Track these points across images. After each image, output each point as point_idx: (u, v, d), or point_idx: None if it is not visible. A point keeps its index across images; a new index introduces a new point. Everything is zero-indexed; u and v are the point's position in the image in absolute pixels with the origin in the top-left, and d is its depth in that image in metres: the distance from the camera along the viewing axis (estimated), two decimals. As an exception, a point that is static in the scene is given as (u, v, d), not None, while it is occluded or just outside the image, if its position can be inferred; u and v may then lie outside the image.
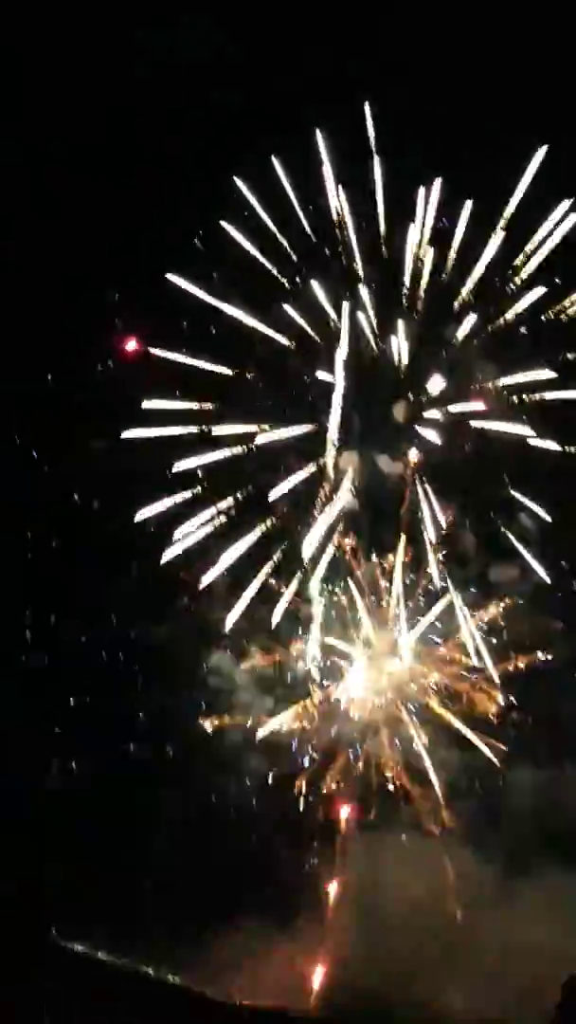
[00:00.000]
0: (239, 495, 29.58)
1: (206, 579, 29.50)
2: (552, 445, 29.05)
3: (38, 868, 29.30)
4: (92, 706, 30.56)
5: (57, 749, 30.45)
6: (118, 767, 30.43)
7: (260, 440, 29.38)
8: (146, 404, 29.41)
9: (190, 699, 30.97)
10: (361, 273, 30.50)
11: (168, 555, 29.18)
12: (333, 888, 30.15)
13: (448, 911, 29.45)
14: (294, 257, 30.15)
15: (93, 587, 30.62)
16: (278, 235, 30.09)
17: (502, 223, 30.10)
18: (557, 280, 29.87)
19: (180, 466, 29.08)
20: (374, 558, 30.70)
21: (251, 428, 29.48)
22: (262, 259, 30.01)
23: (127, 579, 30.46)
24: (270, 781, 30.56)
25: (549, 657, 30.34)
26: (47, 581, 30.64)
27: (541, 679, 30.67)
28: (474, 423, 29.69)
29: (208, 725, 30.72)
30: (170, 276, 29.55)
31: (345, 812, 30.50)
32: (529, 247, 30.23)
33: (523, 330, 30.24)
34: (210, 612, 30.53)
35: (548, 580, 29.73)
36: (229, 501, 29.50)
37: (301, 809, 30.29)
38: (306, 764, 30.57)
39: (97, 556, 30.52)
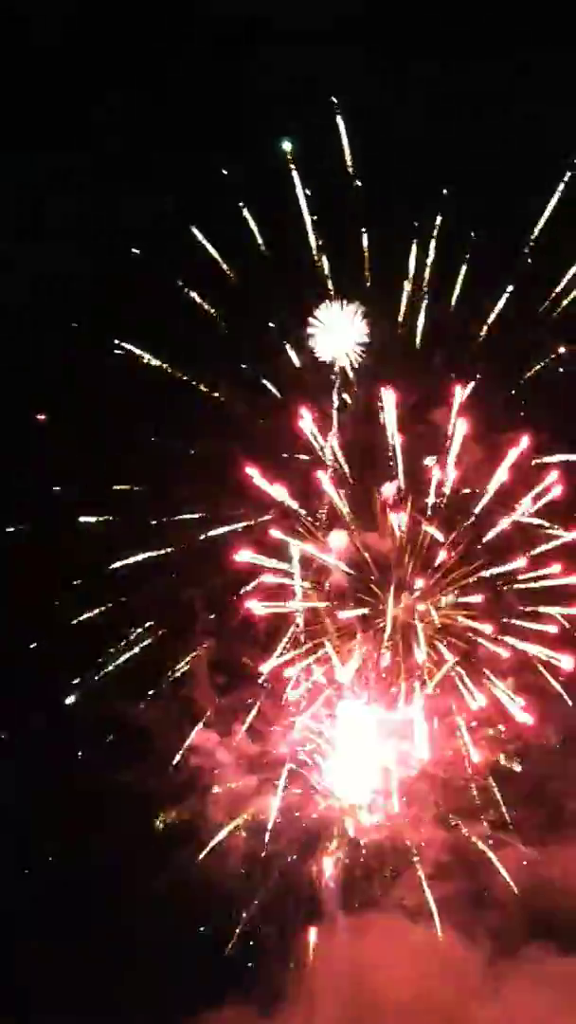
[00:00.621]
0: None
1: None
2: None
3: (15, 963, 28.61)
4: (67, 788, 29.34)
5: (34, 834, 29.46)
6: (95, 851, 29.27)
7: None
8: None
9: (170, 780, 29.87)
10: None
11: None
12: (316, 973, 29.83)
13: (433, 995, 29.15)
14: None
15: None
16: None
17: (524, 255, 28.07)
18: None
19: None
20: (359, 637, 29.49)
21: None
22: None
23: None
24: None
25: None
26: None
27: (526, 757, 29.87)
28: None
29: (184, 811, 29.84)
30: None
31: (329, 896, 29.93)
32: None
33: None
34: (194, 690, 29.53)
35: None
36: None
37: (283, 893, 29.78)
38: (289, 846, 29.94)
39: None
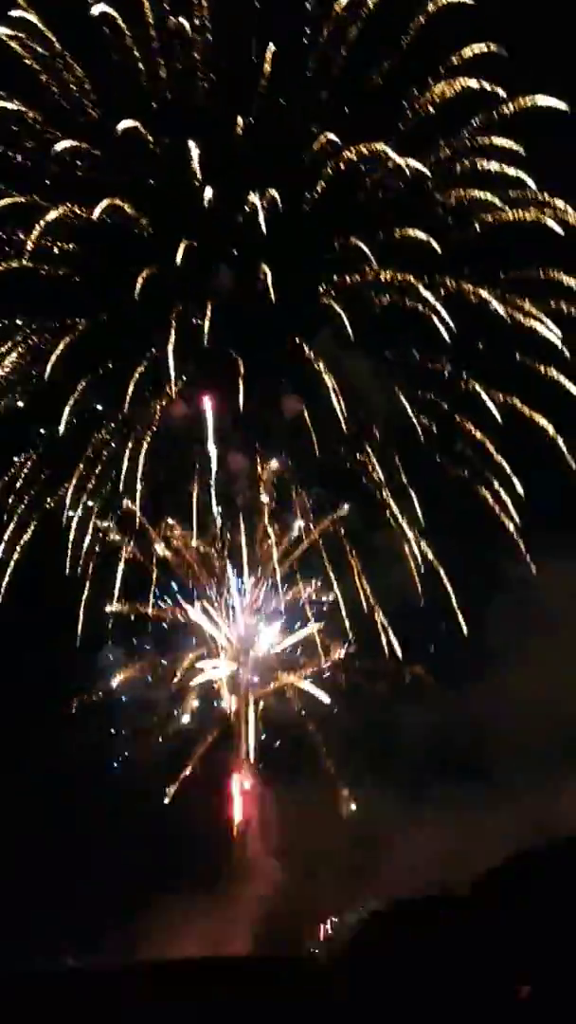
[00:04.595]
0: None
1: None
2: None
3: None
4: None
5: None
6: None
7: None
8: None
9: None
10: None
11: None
12: (249, 843, 32.20)
13: (358, 839, 31.64)
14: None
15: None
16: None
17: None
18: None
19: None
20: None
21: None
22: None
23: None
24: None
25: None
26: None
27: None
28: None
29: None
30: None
31: (247, 773, 32.30)
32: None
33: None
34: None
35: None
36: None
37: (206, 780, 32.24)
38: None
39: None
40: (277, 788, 32.53)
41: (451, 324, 29.31)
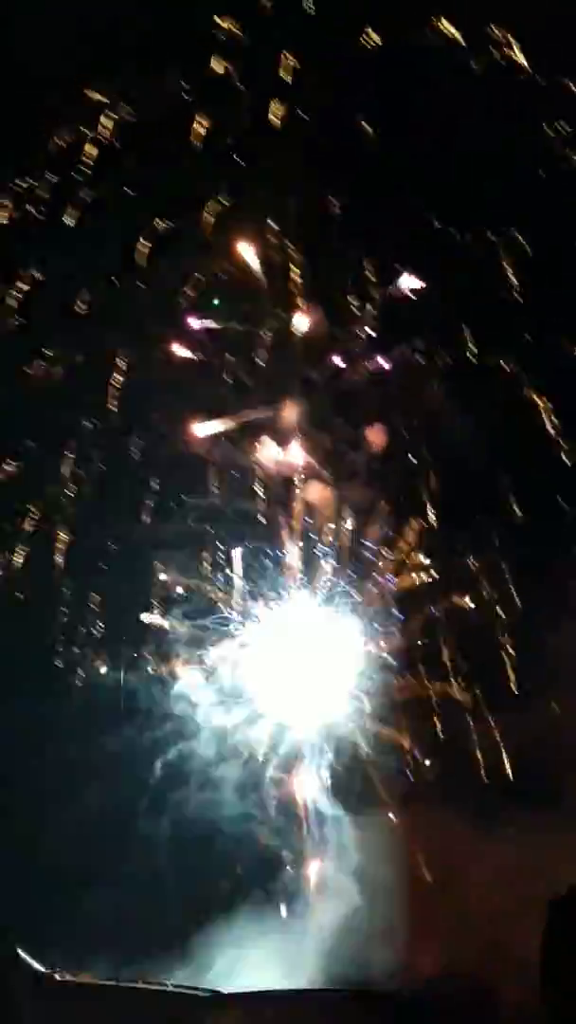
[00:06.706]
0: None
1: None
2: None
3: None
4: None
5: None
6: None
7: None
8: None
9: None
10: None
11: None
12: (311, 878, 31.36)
13: (422, 876, 30.45)
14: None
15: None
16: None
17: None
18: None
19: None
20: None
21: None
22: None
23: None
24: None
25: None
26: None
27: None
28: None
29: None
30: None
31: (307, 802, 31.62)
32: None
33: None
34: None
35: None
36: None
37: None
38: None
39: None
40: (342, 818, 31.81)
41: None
